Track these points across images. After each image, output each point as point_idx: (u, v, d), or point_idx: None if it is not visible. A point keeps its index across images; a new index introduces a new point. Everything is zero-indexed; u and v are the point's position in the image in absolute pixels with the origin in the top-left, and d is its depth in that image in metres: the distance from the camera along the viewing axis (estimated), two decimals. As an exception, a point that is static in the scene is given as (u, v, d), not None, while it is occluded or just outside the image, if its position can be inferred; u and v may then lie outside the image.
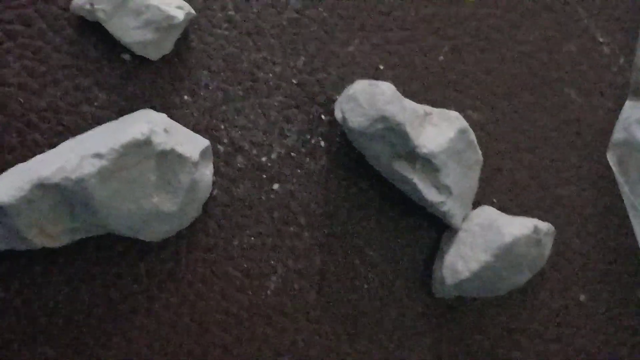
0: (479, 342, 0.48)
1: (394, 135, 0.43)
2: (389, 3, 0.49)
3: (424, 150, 0.43)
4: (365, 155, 0.46)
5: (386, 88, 0.43)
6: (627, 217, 0.50)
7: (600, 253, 0.50)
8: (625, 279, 0.50)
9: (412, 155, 0.44)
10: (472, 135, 0.46)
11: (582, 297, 0.49)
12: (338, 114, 0.45)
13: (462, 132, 0.45)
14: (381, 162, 0.45)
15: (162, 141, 0.42)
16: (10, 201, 0.41)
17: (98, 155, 0.41)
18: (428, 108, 0.46)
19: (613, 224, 0.50)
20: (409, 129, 0.43)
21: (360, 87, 0.44)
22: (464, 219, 0.46)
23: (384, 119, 0.43)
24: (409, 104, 0.44)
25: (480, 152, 0.46)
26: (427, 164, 0.44)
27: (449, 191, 0.44)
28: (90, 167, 0.41)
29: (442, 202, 0.45)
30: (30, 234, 0.42)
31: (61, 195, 0.41)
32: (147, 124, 0.42)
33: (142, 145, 0.42)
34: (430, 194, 0.44)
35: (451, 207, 0.45)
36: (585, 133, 0.50)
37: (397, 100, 0.43)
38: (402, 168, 0.44)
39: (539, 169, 0.49)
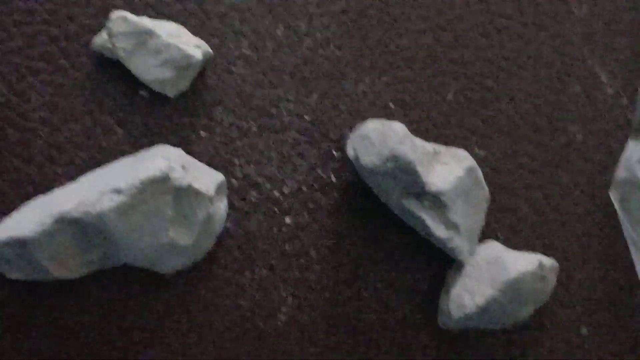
0: (484, 374, 0.49)
1: (405, 173, 0.45)
2: (400, 44, 0.50)
3: (433, 189, 0.45)
4: (376, 191, 0.47)
5: (398, 128, 0.45)
6: (629, 253, 0.51)
7: (602, 287, 0.51)
8: (627, 313, 0.51)
9: (422, 193, 0.45)
10: (480, 173, 0.47)
11: (584, 331, 0.51)
12: (350, 152, 0.46)
13: (470, 170, 0.46)
14: (391, 198, 0.46)
15: (180, 177, 0.44)
16: (31, 235, 0.42)
17: (117, 191, 0.42)
18: (437, 147, 0.47)
19: (615, 260, 0.51)
20: (419, 168, 0.44)
21: (372, 127, 0.45)
22: (471, 254, 0.48)
23: (395, 157, 0.44)
24: (420, 142, 0.46)
25: (487, 188, 0.48)
26: (435, 201, 0.45)
27: (457, 228, 0.46)
28: (109, 202, 0.42)
29: (450, 239, 0.46)
30: (49, 266, 0.43)
31: (81, 229, 0.43)
32: (165, 160, 0.44)
33: (160, 181, 0.43)
34: (439, 231, 0.46)
35: (459, 243, 0.46)
36: (589, 171, 0.51)
37: (408, 140, 0.45)
38: (412, 205, 0.46)
39: (543, 205, 0.51)
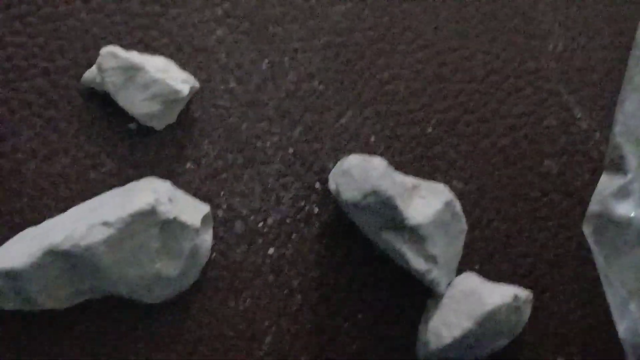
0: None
1: (385, 207, 0.46)
2: (381, 78, 0.52)
3: (412, 222, 0.46)
4: (357, 224, 0.48)
5: (378, 163, 0.46)
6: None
7: (576, 319, 0.52)
8: (602, 346, 0.53)
9: (401, 226, 0.47)
10: (458, 206, 0.49)
11: None
12: (332, 186, 0.48)
13: (448, 204, 0.48)
14: (372, 231, 0.48)
15: (166, 210, 0.45)
16: (21, 266, 0.43)
17: (106, 224, 0.44)
18: (416, 181, 0.49)
19: (590, 292, 0.53)
20: (398, 202, 0.46)
21: (354, 162, 0.47)
22: (449, 285, 0.49)
23: (375, 193, 0.46)
24: (399, 177, 0.47)
25: (464, 221, 0.49)
26: (414, 234, 0.47)
27: (435, 260, 0.47)
28: (98, 235, 0.43)
29: (428, 270, 0.47)
30: (39, 297, 0.44)
31: (70, 260, 0.44)
32: (152, 193, 0.45)
33: (148, 215, 0.44)
34: (418, 263, 0.47)
35: (436, 275, 0.47)
36: (564, 204, 0.53)
37: (388, 175, 0.46)
38: (391, 238, 0.47)
39: (519, 237, 0.52)
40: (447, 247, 0.48)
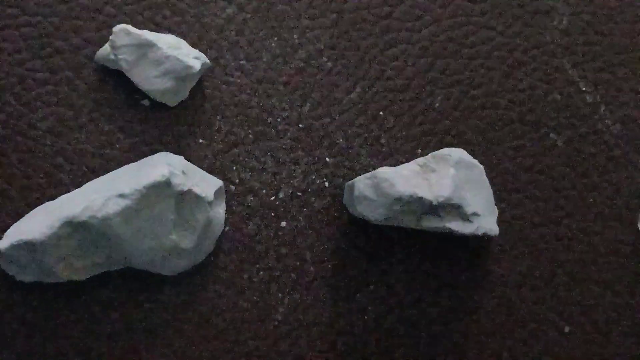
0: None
1: (412, 204, 0.47)
2: (389, 54, 0.53)
3: (441, 199, 0.47)
4: (393, 225, 0.50)
5: (383, 174, 0.47)
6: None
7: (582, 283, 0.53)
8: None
9: (433, 208, 0.48)
10: (465, 154, 0.49)
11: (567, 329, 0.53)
12: (356, 214, 0.49)
13: (458, 163, 0.49)
14: (410, 225, 0.49)
15: (181, 182, 0.46)
16: (40, 238, 0.44)
17: (122, 196, 0.44)
18: (420, 160, 0.49)
19: (593, 260, 0.54)
20: (420, 192, 0.47)
21: (362, 185, 0.48)
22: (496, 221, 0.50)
23: (398, 200, 0.47)
24: (407, 170, 0.48)
25: (477, 161, 0.50)
26: (449, 207, 0.48)
27: (477, 214, 0.48)
28: (115, 206, 0.44)
29: (477, 228, 0.48)
30: (58, 268, 0.45)
31: (87, 232, 0.45)
32: (167, 166, 0.46)
33: (163, 187, 0.45)
34: (466, 228, 0.48)
35: (484, 225, 0.49)
36: (570, 176, 0.54)
37: (398, 178, 0.47)
38: (432, 222, 0.48)
39: (525, 210, 0.53)
40: (479, 194, 0.49)
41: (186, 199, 0.46)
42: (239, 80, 0.51)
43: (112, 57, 0.48)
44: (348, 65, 0.53)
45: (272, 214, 0.51)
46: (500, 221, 0.53)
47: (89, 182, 0.48)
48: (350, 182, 0.49)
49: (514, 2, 0.55)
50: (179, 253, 0.47)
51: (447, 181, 0.48)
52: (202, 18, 0.51)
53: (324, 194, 0.51)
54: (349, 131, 0.52)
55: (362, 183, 0.48)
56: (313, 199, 0.51)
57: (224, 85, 0.51)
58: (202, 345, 0.49)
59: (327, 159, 0.52)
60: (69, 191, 0.49)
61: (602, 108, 0.55)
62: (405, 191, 0.47)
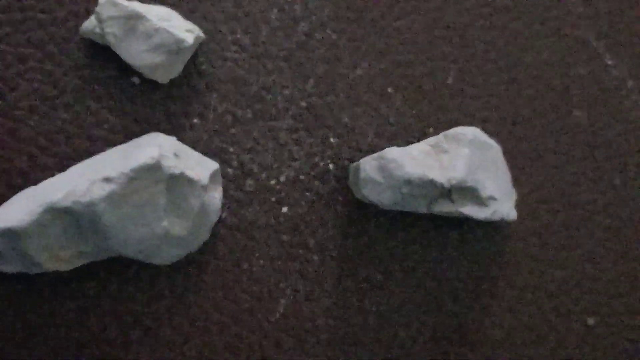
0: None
1: (422, 187, 0.43)
2: (398, 26, 0.49)
3: (454, 182, 0.44)
4: (403, 210, 0.46)
5: (390, 154, 0.44)
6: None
7: (610, 277, 0.50)
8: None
9: (446, 192, 0.44)
10: (479, 133, 0.46)
11: (590, 321, 0.49)
12: (362, 198, 0.45)
13: (472, 142, 0.45)
14: (421, 209, 0.45)
15: (172, 165, 0.42)
16: (21, 225, 0.41)
17: (108, 180, 0.41)
18: (431, 140, 0.46)
19: (618, 248, 0.50)
20: (431, 174, 0.43)
21: (368, 167, 0.44)
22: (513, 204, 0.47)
23: (407, 183, 0.43)
24: (417, 150, 0.45)
25: (493, 141, 0.46)
26: (462, 190, 0.44)
27: (493, 197, 0.45)
28: (100, 191, 0.41)
29: (493, 212, 0.45)
30: (41, 258, 0.42)
31: (71, 219, 0.41)
32: (157, 148, 0.42)
33: (152, 170, 0.42)
34: (481, 213, 0.45)
35: (501, 208, 0.45)
36: (595, 156, 0.50)
37: (406, 158, 0.44)
38: (444, 207, 0.45)
39: (546, 191, 0.49)
40: (495, 177, 0.45)
41: (178, 183, 0.43)
42: (236, 56, 0.48)
43: (98, 30, 0.45)
44: (354, 38, 0.49)
45: (273, 199, 0.47)
46: (518, 205, 0.49)
47: (74, 165, 0.45)
48: (355, 163, 0.46)
49: (533, -31, 0.51)
50: (172, 241, 0.43)
51: (461, 162, 0.44)
52: (196, -12, 0.48)
53: (328, 177, 0.48)
54: (355, 109, 0.48)
55: (368, 164, 0.44)
56: (316, 182, 0.48)
57: (219, 61, 0.47)
58: (198, 340, 0.45)
59: (332, 140, 0.48)
60: (53, 175, 0.45)
61: (630, 83, 0.51)
62: (414, 173, 0.43)
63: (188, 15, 0.47)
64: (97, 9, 0.44)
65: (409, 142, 0.49)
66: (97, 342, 0.45)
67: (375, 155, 0.44)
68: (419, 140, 0.49)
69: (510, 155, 0.49)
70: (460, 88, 0.50)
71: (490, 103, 0.50)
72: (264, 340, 0.46)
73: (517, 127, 0.50)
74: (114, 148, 0.45)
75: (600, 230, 0.50)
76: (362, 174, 0.44)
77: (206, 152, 0.47)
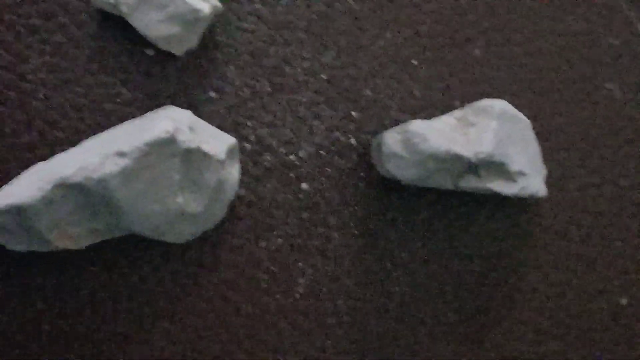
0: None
1: (448, 161, 0.42)
2: (422, -5, 0.47)
3: (481, 156, 0.42)
4: (428, 187, 0.45)
5: (415, 127, 0.42)
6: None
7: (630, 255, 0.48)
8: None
9: (474, 167, 0.42)
10: (509, 107, 0.44)
11: (624, 301, 0.47)
12: (385, 173, 0.43)
13: (500, 115, 0.43)
14: (448, 186, 0.43)
15: (187, 139, 0.41)
16: (30, 201, 0.39)
17: (121, 154, 0.40)
18: (457, 112, 0.44)
19: (657, 225, 0.48)
20: (457, 148, 0.41)
21: (392, 141, 0.42)
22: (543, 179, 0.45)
23: (432, 157, 0.41)
24: (442, 123, 0.43)
25: (522, 115, 0.44)
26: (490, 165, 0.42)
27: (522, 172, 0.43)
28: (112, 166, 0.39)
29: (523, 188, 0.43)
30: (51, 236, 0.41)
31: (83, 195, 0.40)
32: (171, 121, 0.41)
33: (167, 144, 0.40)
34: (510, 189, 0.43)
35: (530, 185, 0.43)
36: (628, 131, 0.48)
37: (431, 131, 0.42)
38: (471, 182, 0.43)
39: (577, 166, 0.47)
40: (524, 151, 0.44)
41: (194, 158, 0.41)
42: (254, 27, 0.46)
43: (111, 0, 0.43)
44: (376, 7, 0.47)
45: (292, 175, 0.45)
46: (548, 181, 0.47)
47: (86, 140, 0.43)
48: (377, 136, 0.44)
49: None
50: (187, 218, 0.42)
51: (489, 135, 0.42)
52: (212, -44, 0.46)
53: (349, 152, 0.46)
54: (378, 82, 0.46)
55: (391, 138, 0.42)
56: (337, 157, 0.46)
57: (237, 32, 0.46)
58: (214, 322, 0.44)
59: (353, 113, 0.46)
60: (64, 150, 0.44)
61: (665, 54, 0.49)
62: (440, 147, 0.41)
63: (204, -16, 0.46)
64: (109, -23, 0.43)
65: (434, 116, 0.47)
66: (109, 323, 0.43)
67: (398, 128, 0.42)
68: (444, 113, 0.47)
69: (539, 130, 0.47)
70: (487, 59, 0.47)
71: (518, 75, 0.48)
72: (283, 321, 0.45)
73: (546, 100, 0.48)
74: (128, 122, 0.43)
75: (632, 207, 0.48)
76: (385, 149, 0.42)
77: (223, 127, 0.45)
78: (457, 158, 0.42)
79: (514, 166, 0.43)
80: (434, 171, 0.42)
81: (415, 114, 0.46)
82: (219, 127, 0.45)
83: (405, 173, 0.42)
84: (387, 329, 0.45)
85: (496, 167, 0.43)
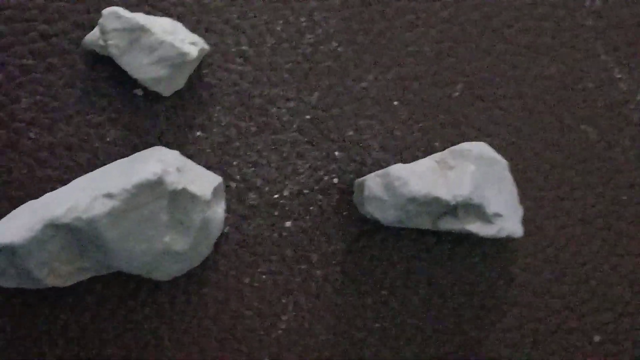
0: (493, 383, 0.47)
1: (427, 204, 0.43)
2: (404, 39, 0.48)
3: (459, 199, 0.43)
4: (406, 227, 0.46)
5: (396, 171, 0.43)
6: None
7: (616, 292, 0.49)
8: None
9: (452, 208, 0.44)
10: (487, 150, 0.45)
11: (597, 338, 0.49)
12: (367, 215, 0.45)
13: (478, 158, 0.44)
14: (425, 226, 0.45)
15: (175, 181, 0.42)
16: (21, 241, 0.40)
17: (109, 195, 0.41)
18: (437, 155, 0.45)
19: (626, 265, 0.49)
20: (436, 192, 0.43)
21: (372, 184, 0.44)
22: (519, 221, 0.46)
23: (412, 200, 0.43)
24: (422, 167, 0.44)
25: (500, 156, 0.46)
26: (468, 207, 0.44)
27: (499, 214, 0.44)
28: (101, 207, 0.40)
29: (500, 229, 0.44)
30: (41, 274, 0.42)
31: (72, 235, 0.41)
32: (159, 163, 0.42)
33: (154, 185, 0.41)
34: (487, 230, 0.44)
35: (507, 226, 0.44)
36: (603, 172, 0.49)
37: (412, 176, 0.43)
38: (449, 224, 0.44)
39: (553, 206, 0.49)
40: (502, 193, 0.45)
41: (180, 199, 0.42)
42: (240, 68, 0.47)
43: (102, 42, 0.44)
44: (360, 50, 0.48)
45: (276, 213, 0.47)
46: (525, 221, 0.48)
47: (76, 179, 0.44)
48: (359, 179, 0.45)
49: (543, -20, 0.50)
50: (173, 256, 0.43)
51: (467, 179, 0.44)
52: (200, -1, 0.47)
53: (332, 192, 0.47)
54: (360, 123, 0.48)
55: (372, 181, 0.44)
56: (320, 196, 0.47)
57: (224, 73, 0.47)
58: (199, 356, 0.45)
59: (336, 153, 0.47)
60: (54, 188, 0.45)
61: (639, 96, 0.50)
62: (420, 190, 0.43)
63: (193, 26, 0.47)
64: (101, 20, 0.44)
65: (415, 156, 0.48)
66: (96, 357, 0.44)
67: (380, 172, 0.44)
68: (425, 153, 0.48)
69: (516, 170, 0.49)
70: (467, 101, 0.49)
71: (497, 117, 0.49)
72: (266, 356, 0.46)
73: (524, 142, 0.49)
74: (117, 162, 0.44)
75: (607, 247, 0.49)
76: (367, 192, 0.44)
77: (209, 166, 0.46)
78: (437, 200, 0.43)
79: (491, 208, 0.44)
80: (414, 213, 0.44)
81: (396, 155, 0.48)
82: (205, 165, 0.46)
83: (386, 215, 0.44)
84: (368, 364, 0.46)
85: (474, 209, 0.44)
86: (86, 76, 0.45)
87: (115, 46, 0.44)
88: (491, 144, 0.49)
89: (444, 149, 0.48)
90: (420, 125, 0.48)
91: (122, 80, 0.46)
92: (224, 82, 0.47)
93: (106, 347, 0.44)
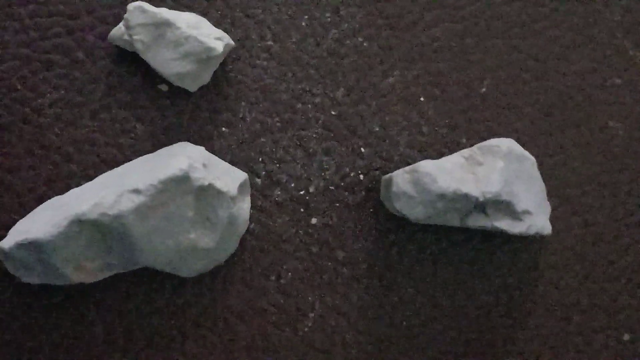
0: (520, 382, 0.47)
1: (456, 201, 0.42)
2: (430, 34, 0.48)
3: (488, 196, 0.43)
4: (436, 224, 0.45)
5: (424, 167, 0.43)
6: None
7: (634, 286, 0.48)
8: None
9: (481, 205, 0.43)
10: (515, 146, 0.45)
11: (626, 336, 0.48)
12: (395, 212, 0.44)
13: (507, 155, 0.44)
14: (455, 223, 0.44)
15: (201, 177, 0.41)
16: (47, 237, 0.40)
17: (136, 191, 0.40)
18: (466, 151, 0.45)
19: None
20: (465, 188, 0.42)
21: (401, 180, 0.43)
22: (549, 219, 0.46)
23: (441, 197, 0.42)
24: (450, 163, 0.44)
25: (528, 153, 0.45)
26: (497, 204, 0.43)
27: (528, 211, 0.44)
28: (128, 203, 0.40)
29: (529, 227, 0.44)
30: (67, 270, 0.41)
31: (98, 231, 0.41)
32: (186, 159, 0.41)
33: (181, 181, 0.41)
34: (516, 227, 0.44)
35: (536, 222, 0.44)
36: (632, 169, 0.49)
37: (440, 172, 0.43)
38: (479, 221, 0.44)
39: (581, 205, 0.48)
40: (530, 190, 0.44)
41: (207, 195, 0.42)
42: (265, 63, 0.47)
43: (127, 37, 0.44)
44: (386, 45, 0.48)
45: (302, 210, 0.46)
46: (553, 219, 0.48)
47: (101, 174, 0.44)
48: (387, 176, 0.45)
49: (570, -25, 0.50)
50: (199, 253, 0.43)
51: (496, 175, 0.43)
52: (225, -6, 0.47)
53: (358, 188, 0.47)
54: (387, 119, 0.47)
55: (400, 178, 0.43)
56: (346, 193, 0.47)
57: (249, 69, 0.46)
58: (225, 355, 0.45)
59: (363, 150, 0.47)
60: (79, 184, 0.45)
61: (667, 93, 0.50)
62: (448, 187, 0.42)
63: (218, 21, 0.46)
64: (126, 15, 0.43)
65: (441, 153, 0.47)
66: (122, 354, 0.44)
67: (408, 168, 0.43)
68: (451, 150, 0.48)
69: (544, 167, 0.48)
70: (494, 97, 0.48)
71: (524, 113, 0.48)
72: (292, 354, 0.45)
73: (551, 138, 0.48)
74: (142, 157, 0.44)
75: (636, 244, 0.48)
76: (395, 188, 0.43)
77: (234, 162, 0.46)
78: (465, 197, 0.42)
79: (520, 205, 0.44)
80: (442, 210, 0.43)
81: (422, 151, 0.47)
82: (231, 162, 0.46)
83: (414, 212, 0.43)
84: (394, 362, 0.46)
85: (503, 206, 0.43)
86: (111, 72, 0.45)
87: (140, 41, 0.44)
88: (517, 141, 0.48)
89: (470, 146, 0.48)
90: (446, 121, 0.48)
91: (148, 75, 0.46)
92: (249, 78, 0.46)
93: (132, 343, 0.44)
